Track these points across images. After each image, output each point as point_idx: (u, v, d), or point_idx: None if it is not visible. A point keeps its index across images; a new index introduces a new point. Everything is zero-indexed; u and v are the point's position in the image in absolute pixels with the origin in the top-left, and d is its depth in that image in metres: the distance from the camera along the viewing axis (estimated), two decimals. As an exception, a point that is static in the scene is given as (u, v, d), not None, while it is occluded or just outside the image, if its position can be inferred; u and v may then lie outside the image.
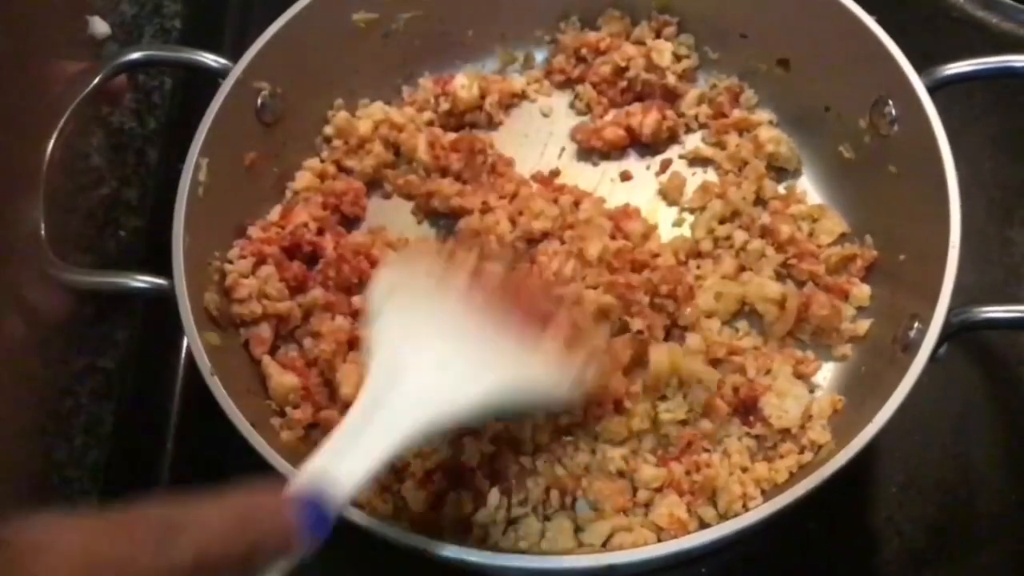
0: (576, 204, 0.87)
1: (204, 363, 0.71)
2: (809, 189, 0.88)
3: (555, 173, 0.91)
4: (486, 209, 0.87)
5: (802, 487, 0.65)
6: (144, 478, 0.85)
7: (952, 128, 0.76)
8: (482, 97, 0.92)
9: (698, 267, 0.84)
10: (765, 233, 0.84)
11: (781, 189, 0.88)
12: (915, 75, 0.77)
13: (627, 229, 0.85)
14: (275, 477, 0.67)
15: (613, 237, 0.84)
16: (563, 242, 0.84)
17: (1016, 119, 0.94)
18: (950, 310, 0.69)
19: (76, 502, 0.84)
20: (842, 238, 0.85)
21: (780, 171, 0.89)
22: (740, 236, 0.85)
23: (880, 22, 0.81)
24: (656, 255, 0.83)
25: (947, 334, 0.69)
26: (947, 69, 0.77)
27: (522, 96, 0.94)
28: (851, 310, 0.82)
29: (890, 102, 0.80)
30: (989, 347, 0.85)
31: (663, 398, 0.78)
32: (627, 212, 0.87)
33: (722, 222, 0.86)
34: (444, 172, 0.89)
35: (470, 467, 0.74)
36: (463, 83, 0.91)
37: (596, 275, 0.81)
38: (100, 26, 1.05)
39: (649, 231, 0.85)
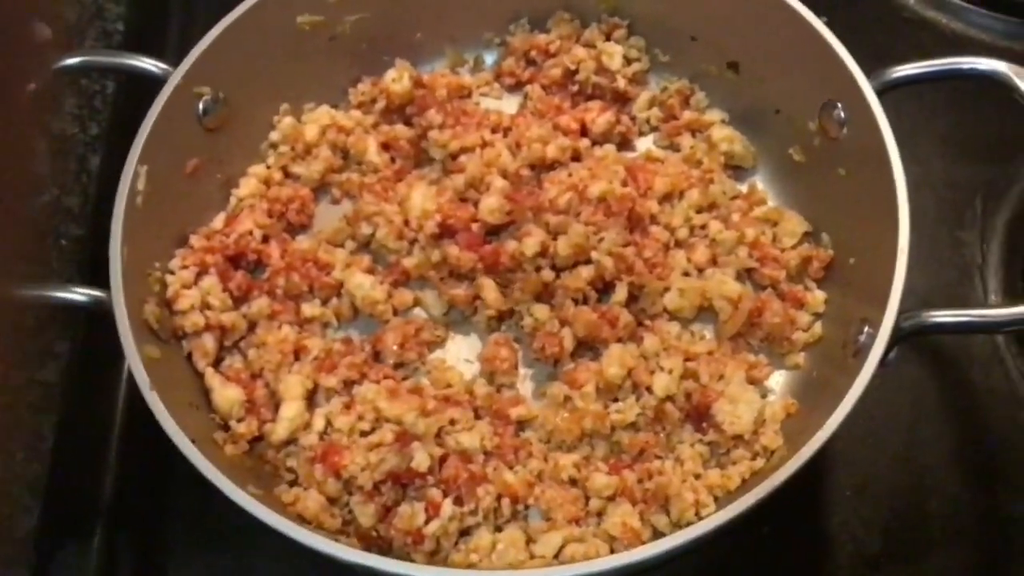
0: (594, 144, 0.88)
1: (142, 377, 0.69)
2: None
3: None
4: (485, 144, 0.87)
5: (753, 495, 0.64)
6: (86, 493, 0.83)
7: (903, 129, 0.76)
8: (427, 90, 0.90)
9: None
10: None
11: (742, 188, 0.88)
12: (863, 78, 0.77)
13: (639, 181, 0.85)
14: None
15: (624, 184, 0.83)
16: (570, 174, 0.84)
17: (966, 120, 0.95)
18: (900, 314, 0.69)
19: (16, 518, 0.82)
20: (805, 238, 0.84)
21: (736, 169, 0.89)
22: (716, 226, 0.84)
23: (831, 23, 0.81)
24: (654, 217, 0.83)
25: (896, 339, 0.68)
26: (895, 72, 0.77)
27: (468, 95, 0.93)
28: (806, 317, 0.81)
29: (839, 105, 0.80)
30: (940, 350, 0.85)
31: (615, 399, 0.77)
32: (646, 166, 0.86)
33: (699, 211, 0.85)
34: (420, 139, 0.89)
35: (420, 474, 0.72)
36: (393, 76, 0.89)
37: (590, 213, 0.81)
38: (41, 30, 1.02)
39: (661, 194, 0.85)
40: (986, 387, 0.84)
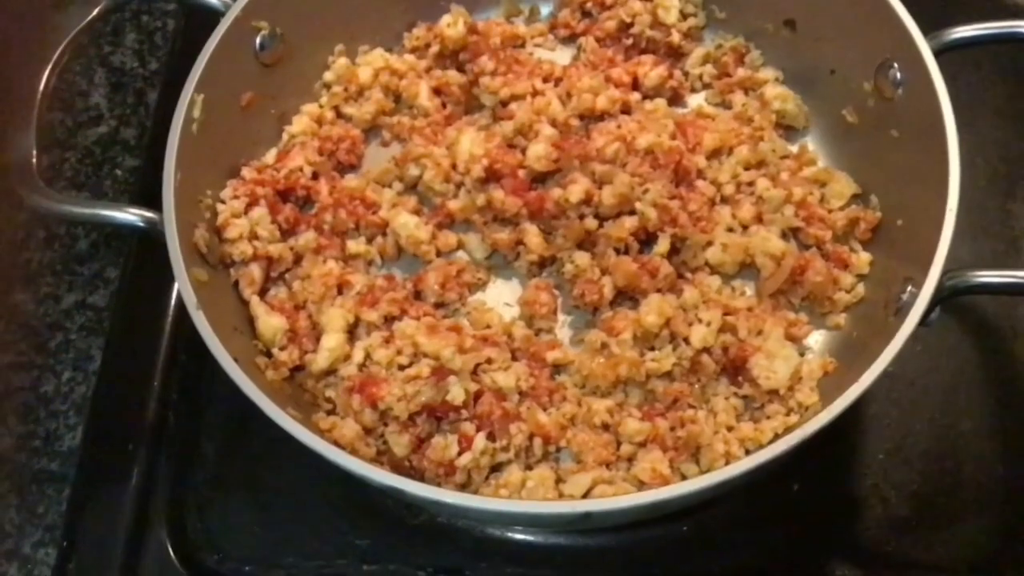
0: (645, 98, 0.89)
1: (190, 297, 0.71)
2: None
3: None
4: (536, 93, 0.88)
5: (783, 443, 0.65)
6: (130, 414, 0.85)
7: (959, 98, 0.75)
8: (480, 37, 0.90)
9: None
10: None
11: (793, 148, 0.87)
12: (921, 38, 0.76)
13: (688, 135, 0.85)
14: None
15: (673, 138, 0.84)
16: (619, 126, 0.84)
17: (1023, 91, 0.93)
18: (944, 273, 0.68)
19: (61, 435, 0.85)
20: (852, 199, 0.83)
21: (788, 129, 0.88)
22: (763, 183, 0.84)
23: (892, -11, 0.80)
24: (701, 172, 0.84)
25: (939, 297, 0.68)
26: (953, 33, 0.76)
27: (522, 45, 0.93)
28: (850, 278, 0.81)
29: (895, 65, 0.79)
30: (984, 317, 0.84)
31: (652, 348, 0.77)
32: (696, 122, 0.86)
33: (747, 168, 0.85)
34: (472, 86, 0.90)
35: (454, 408, 0.73)
36: (448, 21, 0.90)
37: (637, 164, 0.81)
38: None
39: (710, 150, 0.85)
40: (1027, 358, 0.83)
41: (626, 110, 0.88)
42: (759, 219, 0.83)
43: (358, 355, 0.78)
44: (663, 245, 0.80)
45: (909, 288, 0.71)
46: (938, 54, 0.76)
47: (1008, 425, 0.81)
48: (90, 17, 0.81)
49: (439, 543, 0.79)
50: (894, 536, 0.78)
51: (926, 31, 0.77)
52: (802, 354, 0.79)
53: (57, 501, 0.82)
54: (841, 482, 0.80)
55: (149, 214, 0.74)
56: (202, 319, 0.70)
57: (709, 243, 0.81)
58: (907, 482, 0.79)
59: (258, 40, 0.84)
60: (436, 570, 0.78)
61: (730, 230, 0.82)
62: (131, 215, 0.75)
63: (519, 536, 0.79)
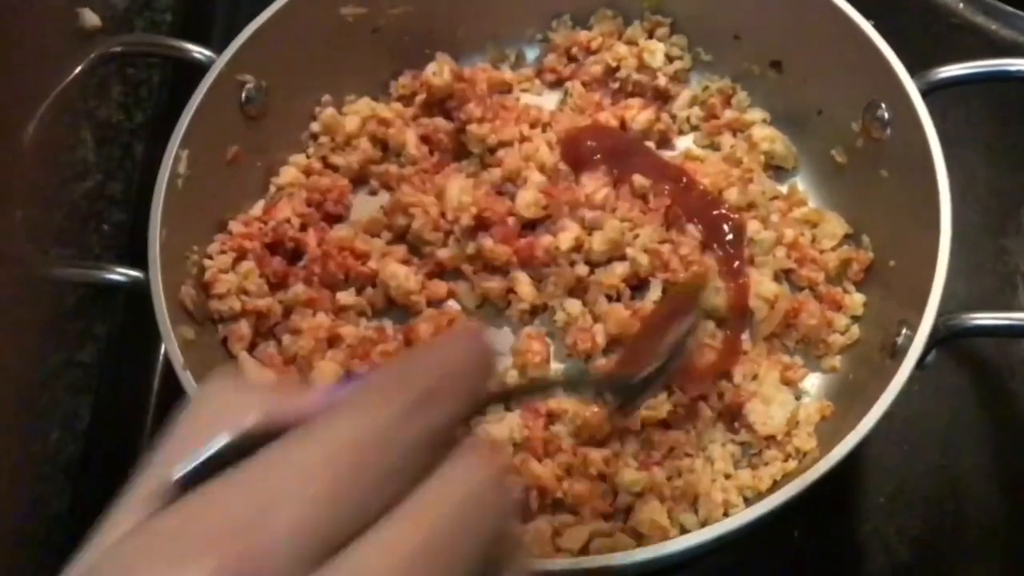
0: None
1: (176, 356, 0.70)
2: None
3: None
4: (523, 139, 0.87)
5: (783, 494, 0.64)
6: (119, 475, 0.83)
7: (948, 136, 0.75)
8: (467, 84, 0.90)
9: None
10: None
11: (783, 189, 0.87)
12: (908, 78, 0.76)
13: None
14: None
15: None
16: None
17: (1014, 128, 0.93)
18: (939, 316, 0.67)
19: (48, 499, 0.83)
20: (844, 240, 0.83)
21: (777, 170, 0.88)
22: (754, 226, 0.83)
23: (877, 27, 0.80)
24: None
25: (935, 340, 0.67)
26: (940, 72, 0.76)
27: (509, 91, 0.93)
28: (844, 320, 0.80)
29: (883, 105, 0.79)
30: (981, 358, 0.84)
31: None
32: (685, 165, 0.86)
33: (738, 211, 0.84)
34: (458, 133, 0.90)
35: None
36: (433, 69, 0.90)
37: (627, 209, 0.80)
38: (90, 18, 1.04)
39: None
40: (1027, 397, 0.82)
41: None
42: (751, 261, 0.82)
43: (349, 410, 0.77)
44: (655, 292, 0.80)
45: (904, 331, 0.70)
46: (925, 93, 0.76)
47: (1009, 464, 0.81)
48: (74, 74, 0.80)
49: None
50: (897, 582, 0.77)
51: (913, 70, 0.77)
52: (798, 398, 0.78)
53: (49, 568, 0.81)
54: (842, 527, 0.79)
55: (135, 273, 0.74)
56: (189, 378, 0.69)
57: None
58: (908, 526, 0.78)
59: (243, 93, 0.84)
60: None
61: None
62: (116, 275, 0.74)
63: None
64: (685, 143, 0.91)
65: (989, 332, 0.70)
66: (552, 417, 0.78)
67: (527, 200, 0.83)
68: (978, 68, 0.75)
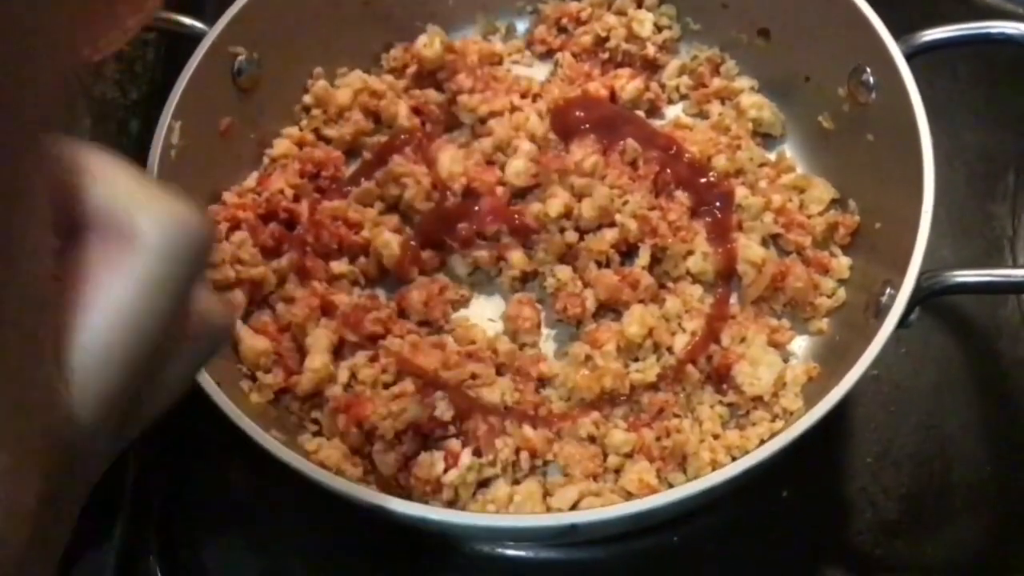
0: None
1: (171, 322, 0.70)
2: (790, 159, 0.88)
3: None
4: (514, 109, 0.88)
5: (767, 448, 0.65)
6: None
7: (936, 102, 0.76)
8: (458, 56, 0.91)
9: None
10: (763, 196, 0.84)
11: (771, 156, 0.88)
12: (892, 41, 0.77)
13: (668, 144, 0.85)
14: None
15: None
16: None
17: (1000, 92, 0.94)
18: (921, 274, 0.68)
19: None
20: (831, 204, 0.84)
21: (765, 137, 0.89)
22: (742, 192, 0.84)
23: (864, -5, 0.80)
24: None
25: (917, 298, 0.68)
26: (924, 36, 0.76)
27: (499, 62, 0.94)
28: (830, 283, 0.81)
29: (868, 69, 0.79)
30: (966, 318, 0.85)
31: (636, 359, 0.77)
32: (676, 134, 0.86)
33: (726, 178, 0.85)
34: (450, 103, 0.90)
35: (441, 424, 0.73)
36: (424, 41, 0.90)
37: (616, 176, 0.81)
38: (84, -5, 1.05)
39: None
40: (1012, 357, 0.83)
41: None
42: (739, 227, 0.83)
43: (343, 375, 0.78)
44: (644, 257, 0.81)
45: (888, 290, 0.71)
46: (910, 57, 0.76)
47: (995, 424, 0.82)
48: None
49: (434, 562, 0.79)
50: (884, 539, 0.78)
51: (897, 35, 0.77)
52: (786, 360, 0.79)
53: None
54: (830, 487, 0.80)
55: (130, 242, 0.74)
56: (184, 344, 0.70)
57: (690, 252, 0.81)
58: (896, 485, 0.79)
59: (236, 65, 0.85)
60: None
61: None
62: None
63: (510, 552, 0.79)
64: (674, 112, 0.92)
65: (970, 289, 0.70)
66: (543, 381, 0.79)
67: (517, 169, 0.84)
68: (961, 31, 0.76)
